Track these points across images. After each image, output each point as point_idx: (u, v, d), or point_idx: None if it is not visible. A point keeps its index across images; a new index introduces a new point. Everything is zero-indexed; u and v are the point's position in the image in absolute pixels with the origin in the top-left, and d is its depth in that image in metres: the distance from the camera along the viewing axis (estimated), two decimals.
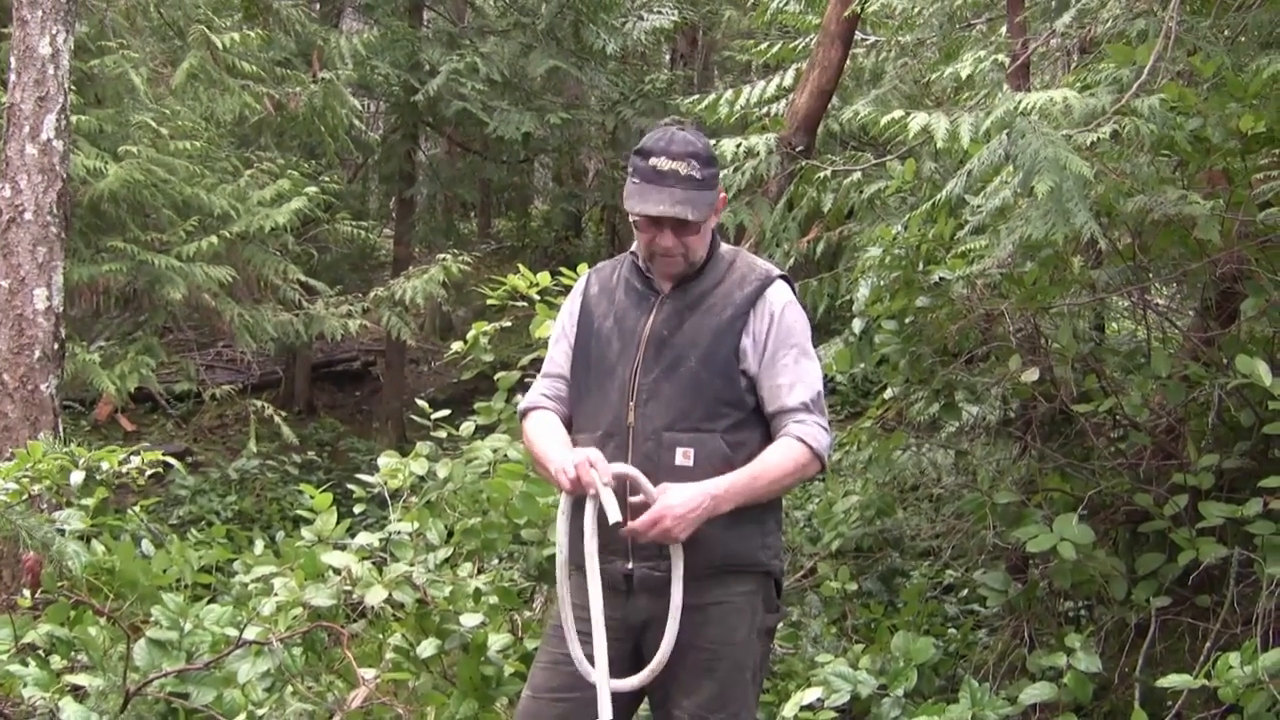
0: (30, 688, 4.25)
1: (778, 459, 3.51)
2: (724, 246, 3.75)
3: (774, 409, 3.59)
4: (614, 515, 3.29)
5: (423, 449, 5.55)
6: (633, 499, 3.41)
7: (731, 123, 8.85)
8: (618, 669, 3.51)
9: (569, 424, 3.73)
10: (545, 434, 3.65)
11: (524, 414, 3.81)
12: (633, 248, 3.75)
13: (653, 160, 3.50)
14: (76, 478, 5.16)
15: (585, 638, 3.47)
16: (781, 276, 3.71)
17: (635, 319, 3.64)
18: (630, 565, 3.53)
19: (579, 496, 3.42)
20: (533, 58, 16.68)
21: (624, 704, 3.63)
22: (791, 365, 3.59)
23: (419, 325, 15.55)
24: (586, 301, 3.79)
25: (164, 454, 5.57)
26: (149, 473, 5.39)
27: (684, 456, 3.49)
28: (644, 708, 3.96)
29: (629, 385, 3.57)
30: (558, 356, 3.82)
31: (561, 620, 3.48)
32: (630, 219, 3.61)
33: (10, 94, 7.63)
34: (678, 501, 3.34)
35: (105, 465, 5.20)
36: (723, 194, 3.71)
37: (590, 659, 3.43)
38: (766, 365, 3.58)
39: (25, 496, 5.08)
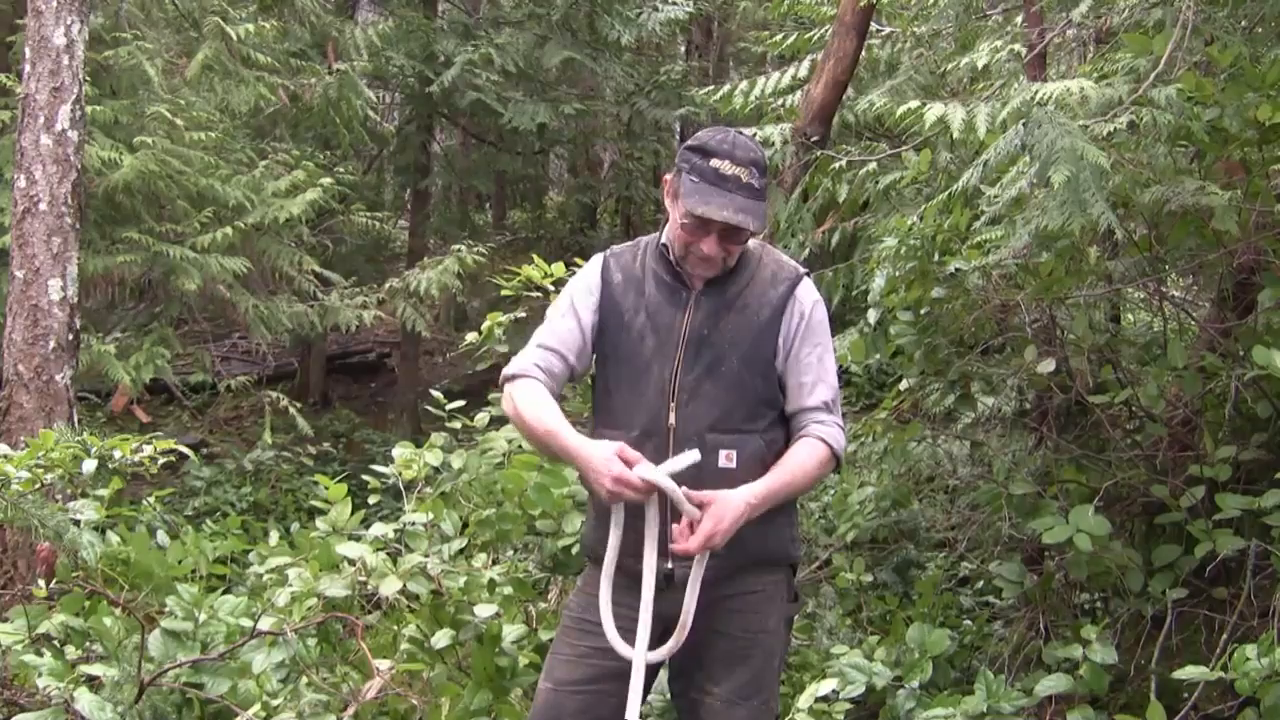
0: (45, 678, 4.25)
1: (807, 463, 3.51)
2: (750, 242, 3.67)
3: (795, 407, 3.59)
4: (692, 511, 3.29)
5: (437, 440, 5.54)
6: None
7: (746, 114, 8.81)
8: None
9: (558, 399, 3.64)
10: (551, 411, 3.48)
11: (510, 379, 3.62)
12: (661, 237, 3.67)
13: (714, 162, 3.41)
14: (89, 466, 5.17)
15: (598, 627, 3.52)
16: (807, 273, 3.70)
17: (670, 315, 3.57)
18: (670, 565, 3.49)
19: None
20: (547, 49, 16.66)
21: (645, 692, 3.64)
22: (815, 364, 3.59)
23: (434, 316, 15.52)
24: (610, 290, 3.67)
25: (179, 445, 5.58)
26: (164, 463, 5.40)
27: (727, 459, 3.47)
28: (653, 698, 3.96)
29: (669, 385, 3.51)
30: (562, 332, 3.65)
31: (600, 612, 3.45)
32: (673, 213, 3.52)
33: (25, 84, 7.64)
34: (728, 520, 3.31)
35: (118, 454, 5.21)
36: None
37: (609, 651, 3.48)
38: (791, 363, 3.57)
39: (38, 485, 5.09)
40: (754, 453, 3.48)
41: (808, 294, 3.63)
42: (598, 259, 3.80)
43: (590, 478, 3.35)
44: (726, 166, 3.40)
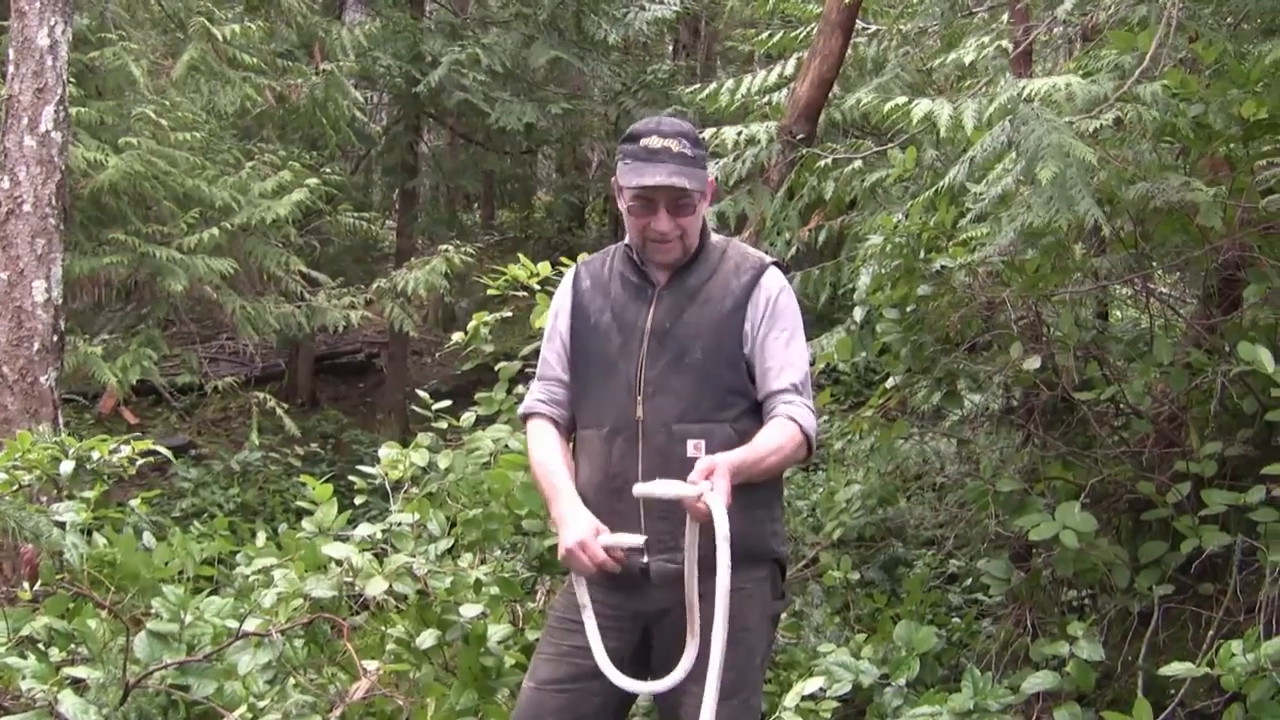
0: (29, 680, 4.24)
1: (776, 440, 3.48)
2: (715, 236, 3.74)
3: (764, 392, 3.58)
4: (699, 488, 3.26)
5: (423, 440, 5.53)
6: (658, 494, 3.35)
7: (733, 112, 8.84)
8: (624, 655, 3.54)
9: (570, 424, 3.74)
10: (553, 468, 3.64)
11: (523, 419, 3.85)
12: (624, 240, 3.75)
13: (643, 140, 3.51)
14: (66, 467, 5.15)
15: (580, 625, 3.54)
16: (775, 263, 3.71)
17: (635, 312, 3.62)
18: (646, 559, 3.50)
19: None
20: (534, 48, 16.66)
21: (629, 692, 3.63)
22: (781, 349, 3.58)
23: (422, 317, 15.54)
24: (579, 296, 3.76)
25: (168, 447, 5.56)
26: (152, 464, 5.39)
27: (695, 448, 3.47)
28: (640, 697, 3.95)
29: (635, 379, 3.55)
30: (551, 358, 3.80)
31: (583, 619, 3.51)
32: (623, 207, 3.60)
33: (9, 86, 7.62)
34: (730, 474, 3.28)
35: (96, 454, 5.19)
36: (711, 180, 3.72)
37: (608, 652, 3.49)
38: (758, 348, 3.57)
39: (16, 487, 5.06)
40: (723, 441, 3.47)
41: (774, 281, 3.65)
42: (570, 271, 3.91)
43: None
44: (654, 141, 3.50)
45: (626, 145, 3.56)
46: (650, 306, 3.61)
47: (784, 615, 5.74)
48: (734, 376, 3.56)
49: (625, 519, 3.41)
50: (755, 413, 3.59)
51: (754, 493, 3.51)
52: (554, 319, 3.83)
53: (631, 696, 3.73)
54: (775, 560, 3.72)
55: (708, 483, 3.24)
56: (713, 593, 3.36)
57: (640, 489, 3.31)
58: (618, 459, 3.53)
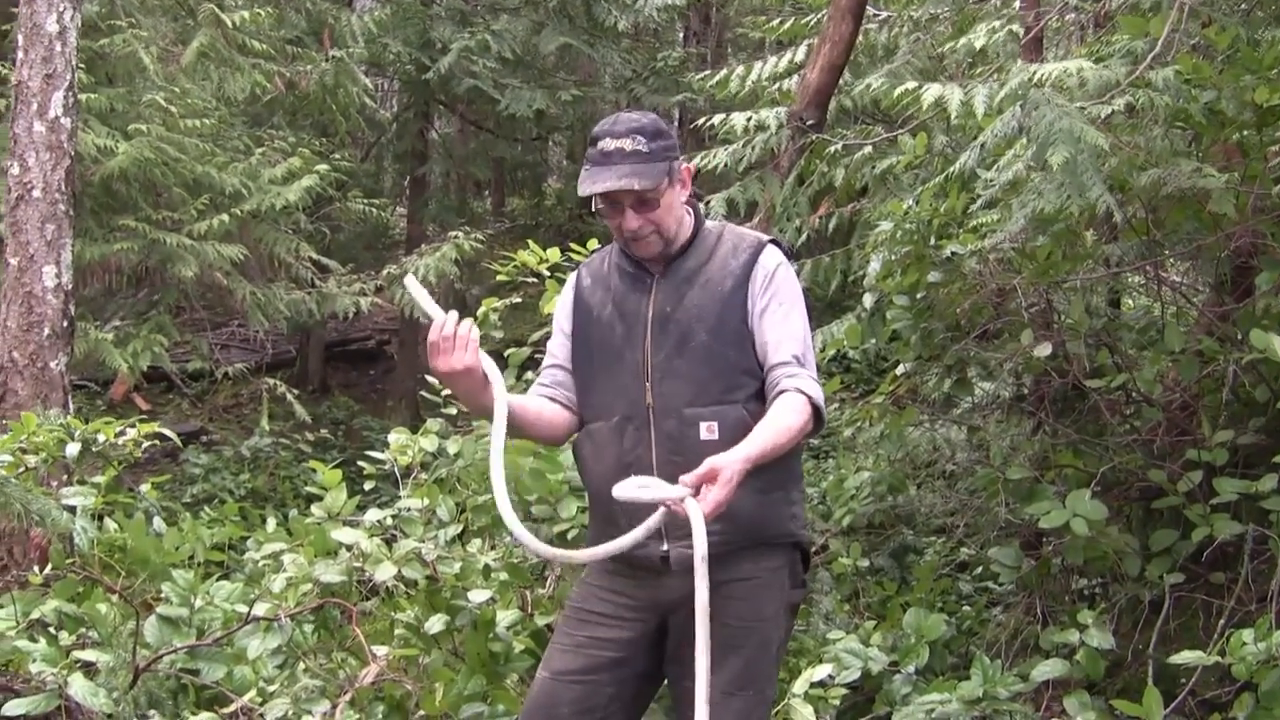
0: (39, 663, 4.25)
1: (786, 420, 3.39)
2: (709, 222, 3.71)
3: (766, 366, 3.53)
4: (679, 492, 3.18)
5: (433, 425, 5.53)
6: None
7: (743, 98, 8.82)
8: (640, 646, 3.51)
9: (570, 402, 3.70)
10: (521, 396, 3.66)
11: None
12: None
13: (600, 144, 3.48)
14: (72, 449, 5.15)
15: (602, 619, 3.54)
16: (773, 241, 3.68)
17: (636, 301, 3.61)
18: (666, 546, 3.46)
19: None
20: (544, 35, 16.66)
21: (644, 683, 3.62)
22: (780, 321, 3.54)
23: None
24: (580, 293, 3.76)
25: (179, 433, 5.56)
26: (163, 450, 5.40)
27: (708, 431, 3.44)
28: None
29: (642, 366, 3.53)
30: (555, 349, 3.79)
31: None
32: (594, 209, 3.58)
33: (18, 72, 7.62)
34: (735, 481, 3.17)
35: (101, 437, 5.19)
36: (686, 166, 3.65)
37: (606, 641, 3.50)
38: (757, 322, 3.54)
39: (22, 469, 5.06)
40: (736, 423, 3.42)
41: (772, 258, 3.61)
42: (574, 272, 3.90)
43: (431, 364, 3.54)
44: (608, 143, 3.47)
45: (588, 149, 3.55)
46: (650, 294, 3.59)
47: None
48: (741, 356, 3.53)
49: (641, 506, 3.36)
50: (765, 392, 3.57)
51: (768, 474, 3.41)
52: (557, 316, 3.84)
53: (647, 688, 3.71)
54: (795, 545, 3.65)
55: (689, 489, 3.16)
56: (721, 582, 3.31)
57: (620, 492, 3.24)
58: (630, 446, 3.49)
